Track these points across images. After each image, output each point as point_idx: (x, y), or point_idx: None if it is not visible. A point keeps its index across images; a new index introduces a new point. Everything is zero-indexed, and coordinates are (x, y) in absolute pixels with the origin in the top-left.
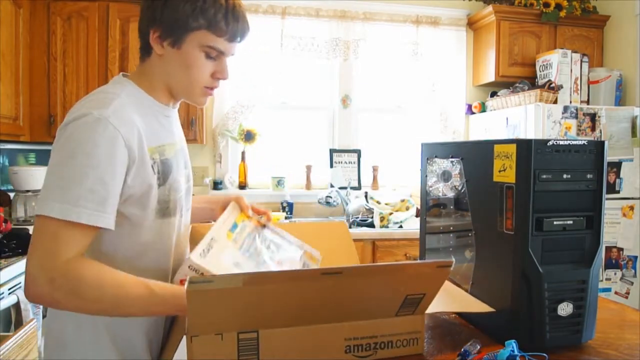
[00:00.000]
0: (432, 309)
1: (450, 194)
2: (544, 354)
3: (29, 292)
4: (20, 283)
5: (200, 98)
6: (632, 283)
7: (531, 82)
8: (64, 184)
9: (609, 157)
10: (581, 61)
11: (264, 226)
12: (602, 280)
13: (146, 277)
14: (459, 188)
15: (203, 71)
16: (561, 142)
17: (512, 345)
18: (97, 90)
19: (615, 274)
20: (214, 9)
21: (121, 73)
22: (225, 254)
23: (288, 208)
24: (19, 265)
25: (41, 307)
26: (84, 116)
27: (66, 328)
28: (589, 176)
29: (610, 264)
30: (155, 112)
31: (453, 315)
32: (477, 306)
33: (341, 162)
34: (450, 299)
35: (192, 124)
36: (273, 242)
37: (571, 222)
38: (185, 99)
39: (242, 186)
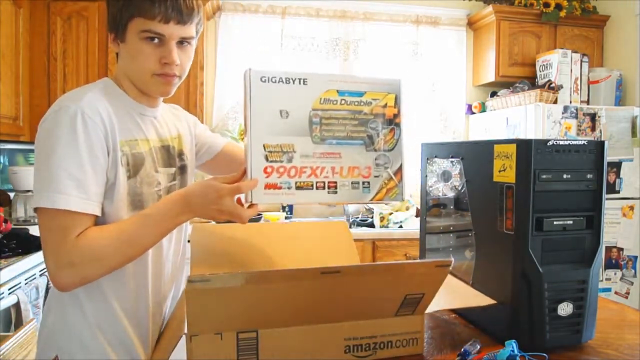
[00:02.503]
0: (433, 307)
1: (450, 194)
2: (544, 354)
3: (59, 285)
4: (20, 283)
5: (155, 87)
6: (632, 283)
7: (531, 82)
8: (48, 174)
9: (609, 157)
10: (581, 61)
11: None
12: (602, 280)
13: (127, 269)
14: (459, 188)
15: (147, 58)
16: (561, 142)
17: (512, 345)
18: (77, 89)
19: (615, 274)
20: None
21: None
22: None
23: (288, 208)
24: (19, 265)
25: (41, 307)
26: (59, 109)
27: (56, 327)
28: (589, 176)
29: (610, 264)
30: (128, 109)
31: (453, 315)
32: (478, 300)
33: None
34: (452, 296)
35: None
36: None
37: (571, 222)
38: (145, 90)
39: None
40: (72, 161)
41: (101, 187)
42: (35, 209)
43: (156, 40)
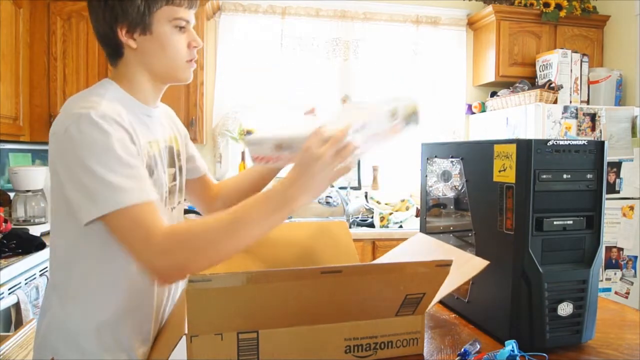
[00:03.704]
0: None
1: (450, 194)
2: (544, 354)
3: (160, 277)
4: (20, 283)
5: (186, 72)
6: (632, 283)
7: (531, 82)
8: (97, 180)
9: (609, 157)
10: (581, 61)
11: None
12: (602, 280)
13: (130, 268)
14: (459, 188)
15: (180, 45)
16: (561, 142)
17: (512, 345)
18: (83, 93)
19: (615, 274)
20: None
21: (106, 78)
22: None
23: None
24: (19, 265)
25: (41, 307)
26: (80, 117)
27: (51, 328)
28: (589, 176)
29: (610, 264)
30: (137, 112)
31: (453, 315)
32: (476, 266)
33: None
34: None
35: (192, 124)
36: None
37: (571, 222)
38: (172, 79)
39: None
40: (114, 161)
41: (147, 174)
42: (95, 219)
43: (183, 25)
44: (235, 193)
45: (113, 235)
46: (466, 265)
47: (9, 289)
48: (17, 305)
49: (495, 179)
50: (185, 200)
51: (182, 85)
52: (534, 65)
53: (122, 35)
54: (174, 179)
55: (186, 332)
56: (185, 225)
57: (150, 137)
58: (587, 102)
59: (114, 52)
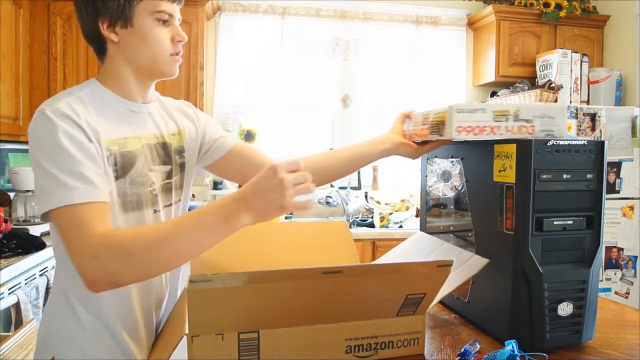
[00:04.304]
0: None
1: (450, 194)
2: (544, 354)
3: (88, 282)
4: (20, 283)
5: (170, 66)
6: (632, 283)
7: (531, 82)
8: (46, 177)
9: (609, 157)
10: (581, 61)
11: None
12: (602, 280)
13: None
14: (459, 188)
15: (162, 38)
16: (561, 142)
17: (512, 345)
18: (60, 93)
19: (615, 274)
20: None
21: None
22: None
23: None
24: (19, 265)
25: (41, 307)
26: (38, 115)
27: (53, 330)
28: (589, 176)
29: (610, 264)
30: (118, 107)
31: (453, 315)
32: (476, 264)
33: None
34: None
35: None
36: None
37: (571, 222)
38: (156, 74)
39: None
40: (63, 157)
41: (101, 173)
42: (45, 216)
43: (165, 18)
44: (314, 168)
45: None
46: (466, 264)
47: (9, 289)
48: (17, 305)
49: (495, 179)
50: (194, 196)
51: (182, 85)
52: (534, 65)
53: (104, 29)
54: (169, 177)
55: (187, 332)
56: (120, 231)
57: (127, 133)
58: (587, 102)
59: (99, 48)
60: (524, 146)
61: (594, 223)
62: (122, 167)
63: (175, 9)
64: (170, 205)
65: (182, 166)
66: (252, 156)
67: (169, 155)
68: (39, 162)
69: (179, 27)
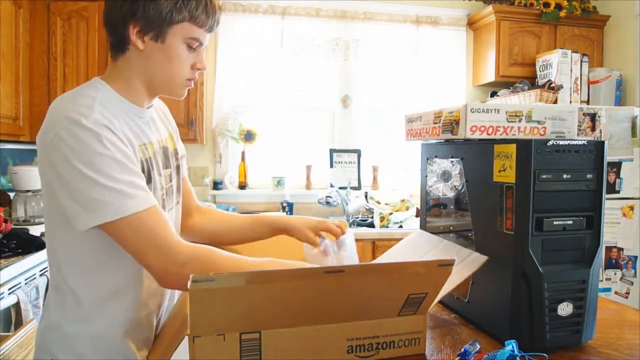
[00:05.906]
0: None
1: (450, 194)
2: (544, 354)
3: (166, 282)
4: (20, 283)
5: (181, 90)
6: (632, 283)
7: (531, 82)
8: (99, 187)
9: (609, 157)
10: (581, 61)
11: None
12: (602, 280)
13: (130, 275)
14: (459, 188)
15: (185, 63)
16: (561, 142)
17: (512, 345)
18: (72, 95)
19: (615, 274)
20: (195, 1)
21: (96, 77)
22: None
23: (288, 208)
24: (19, 265)
25: (41, 307)
26: (73, 123)
27: (50, 332)
28: (589, 176)
29: (610, 264)
30: (130, 114)
31: (453, 315)
32: (476, 261)
33: (341, 162)
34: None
35: (192, 124)
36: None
37: (571, 222)
38: (166, 92)
39: (242, 186)
40: (114, 167)
41: (145, 180)
42: (94, 227)
43: (195, 46)
44: (219, 233)
45: (117, 241)
46: (466, 261)
47: (9, 289)
48: (17, 305)
49: (495, 179)
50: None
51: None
52: (534, 65)
53: (133, 33)
54: (170, 180)
55: (188, 332)
56: (207, 247)
57: (143, 139)
58: (587, 102)
59: (119, 45)
60: (524, 146)
61: (594, 223)
62: (148, 173)
63: (207, 37)
64: (172, 208)
65: (177, 169)
66: (187, 195)
67: (169, 158)
68: (83, 173)
69: (203, 55)
